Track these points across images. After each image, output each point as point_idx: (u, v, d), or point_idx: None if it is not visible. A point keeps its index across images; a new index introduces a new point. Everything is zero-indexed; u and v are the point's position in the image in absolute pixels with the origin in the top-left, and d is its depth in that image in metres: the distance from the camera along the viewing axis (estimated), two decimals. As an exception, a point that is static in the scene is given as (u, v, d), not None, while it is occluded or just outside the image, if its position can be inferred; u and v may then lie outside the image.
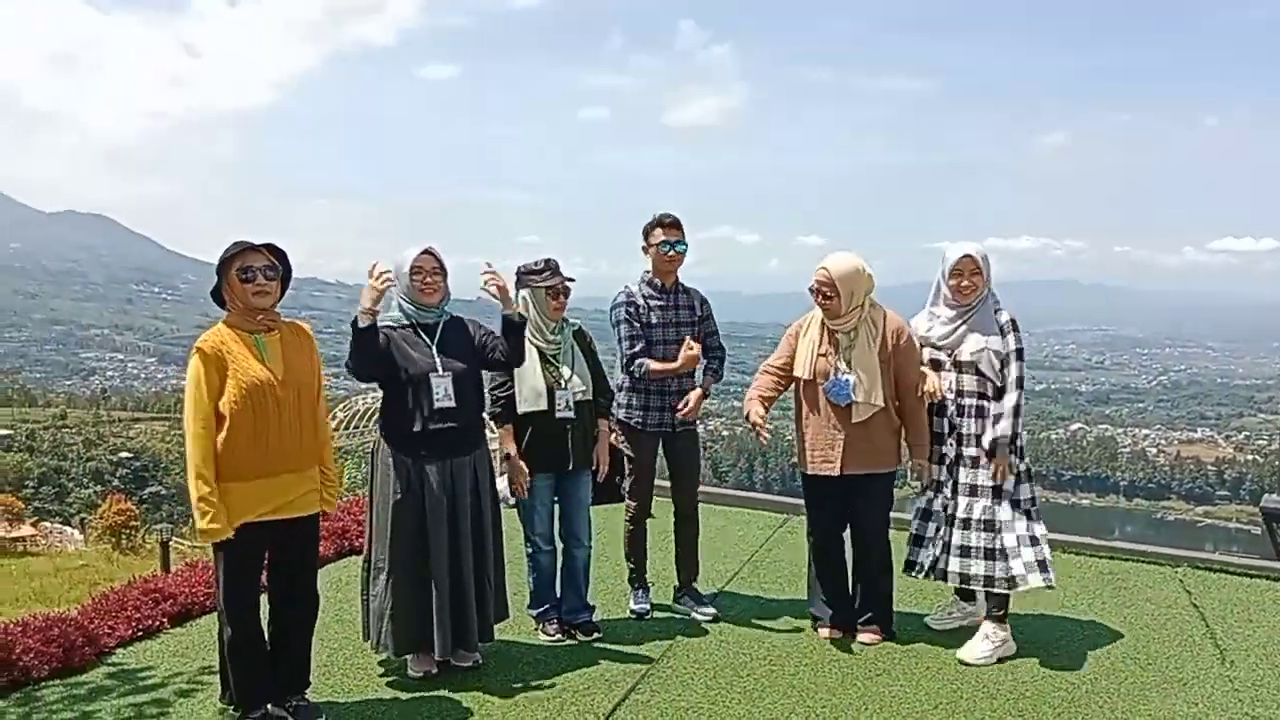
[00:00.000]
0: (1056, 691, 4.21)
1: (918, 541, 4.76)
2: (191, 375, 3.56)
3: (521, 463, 4.54)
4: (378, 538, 4.22)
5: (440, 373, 4.15)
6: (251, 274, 3.59)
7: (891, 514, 4.85)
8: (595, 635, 4.74)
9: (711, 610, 5.05)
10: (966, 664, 4.45)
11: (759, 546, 6.49)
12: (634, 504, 5.04)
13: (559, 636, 4.72)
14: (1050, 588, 4.54)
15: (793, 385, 4.77)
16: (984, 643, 4.52)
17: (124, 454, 69.78)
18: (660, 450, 5.07)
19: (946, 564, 4.59)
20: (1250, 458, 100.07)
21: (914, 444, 4.69)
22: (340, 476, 4.13)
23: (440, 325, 4.26)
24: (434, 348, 4.20)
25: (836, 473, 4.62)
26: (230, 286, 3.63)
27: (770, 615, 5.12)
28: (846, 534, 4.83)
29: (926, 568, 4.69)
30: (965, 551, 4.53)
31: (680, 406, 4.89)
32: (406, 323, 4.22)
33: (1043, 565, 4.47)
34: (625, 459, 5.01)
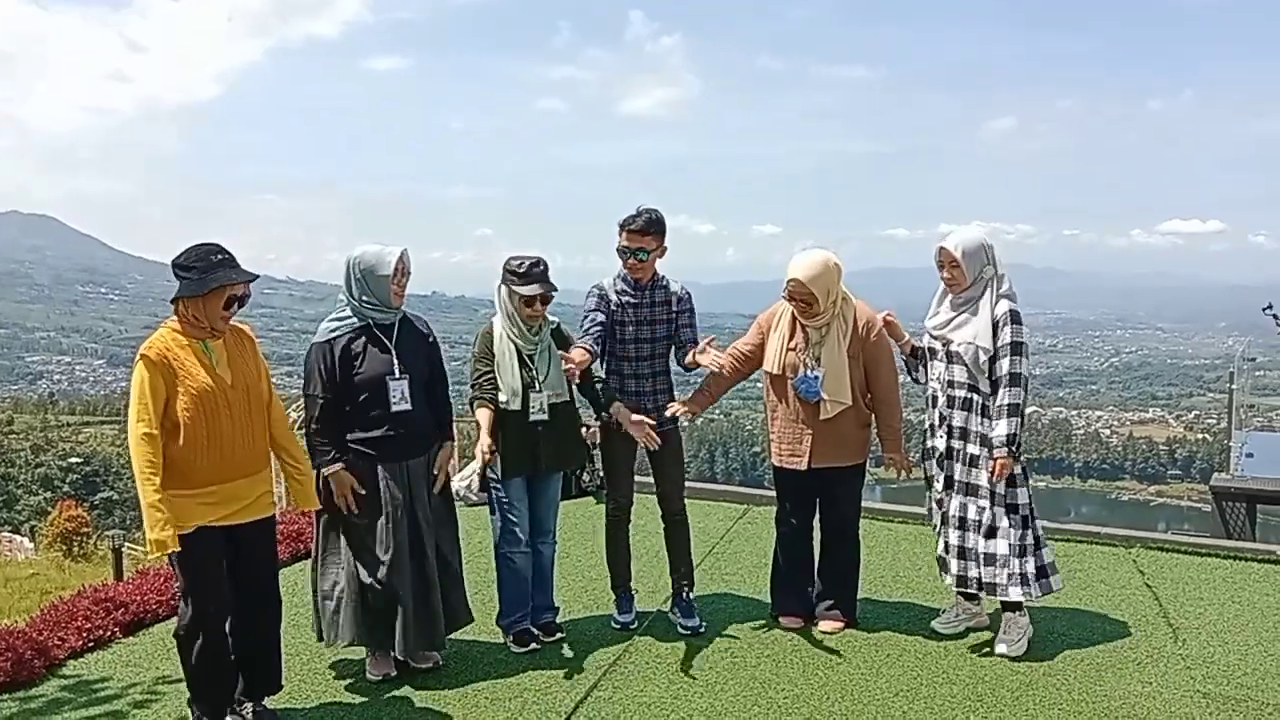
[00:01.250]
0: (1014, 675, 4.26)
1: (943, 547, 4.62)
2: (136, 382, 3.46)
3: (490, 441, 4.31)
4: (331, 538, 4.17)
5: (397, 375, 4.09)
6: (234, 302, 3.57)
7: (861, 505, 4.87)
8: (558, 636, 4.67)
9: (696, 622, 4.79)
10: (1005, 657, 4.40)
11: (720, 538, 6.50)
12: (612, 504, 4.85)
13: (533, 646, 4.56)
14: (1025, 600, 4.44)
15: (763, 377, 4.75)
16: (1010, 636, 4.48)
17: (73, 459, 68.45)
18: (641, 447, 4.74)
19: (951, 566, 4.53)
20: (1200, 436, 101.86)
21: (885, 437, 4.68)
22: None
23: (396, 324, 4.19)
24: (393, 349, 4.12)
25: (804, 467, 4.61)
26: (206, 305, 3.53)
27: (731, 607, 5.13)
28: (814, 524, 4.85)
29: (942, 564, 4.63)
30: (963, 553, 4.47)
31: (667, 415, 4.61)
32: (359, 325, 4.12)
33: (1025, 579, 4.37)
34: (589, 453, 4.95)
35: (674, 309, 4.76)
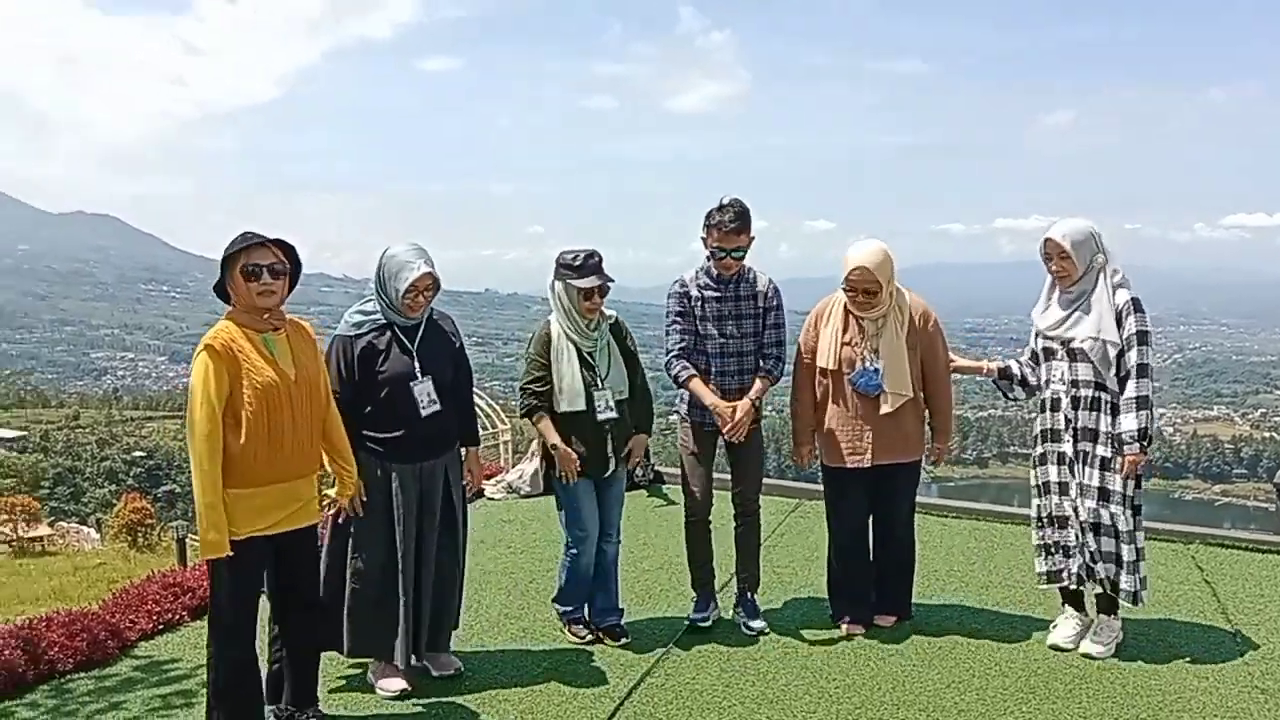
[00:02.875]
0: (1067, 669, 4.25)
1: (1048, 550, 4.43)
2: (199, 373, 3.31)
3: (569, 449, 4.33)
4: (339, 538, 4.04)
5: (419, 379, 4.00)
6: (256, 271, 3.38)
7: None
8: (624, 641, 4.56)
9: (761, 624, 4.71)
10: (1092, 658, 4.29)
11: (771, 531, 6.52)
12: (691, 505, 4.74)
13: (589, 638, 4.58)
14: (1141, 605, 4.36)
15: (796, 375, 4.69)
16: (1104, 637, 4.36)
17: (137, 453, 70.17)
18: (721, 446, 4.72)
19: (1090, 572, 4.32)
20: (1267, 435, 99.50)
21: (937, 428, 4.62)
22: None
23: (420, 328, 4.07)
24: (415, 350, 4.02)
25: (868, 464, 4.50)
26: (234, 283, 3.41)
27: (783, 599, 5.15)
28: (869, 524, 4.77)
29: (1072, 575, 4.37)
30: (1097, 556, 4.27)
31: (726, 428, 4.51)
32: (383, 322, 4.01)
33: (1144, 582, 4.30)
34: (646, 449, 4.89)
35: (760, 304, 4.61)
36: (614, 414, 4.41)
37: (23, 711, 3.98)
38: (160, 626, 4.80)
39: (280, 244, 3.46)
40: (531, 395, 4.39)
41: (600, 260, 4.36)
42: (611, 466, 4.48)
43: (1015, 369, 4.61)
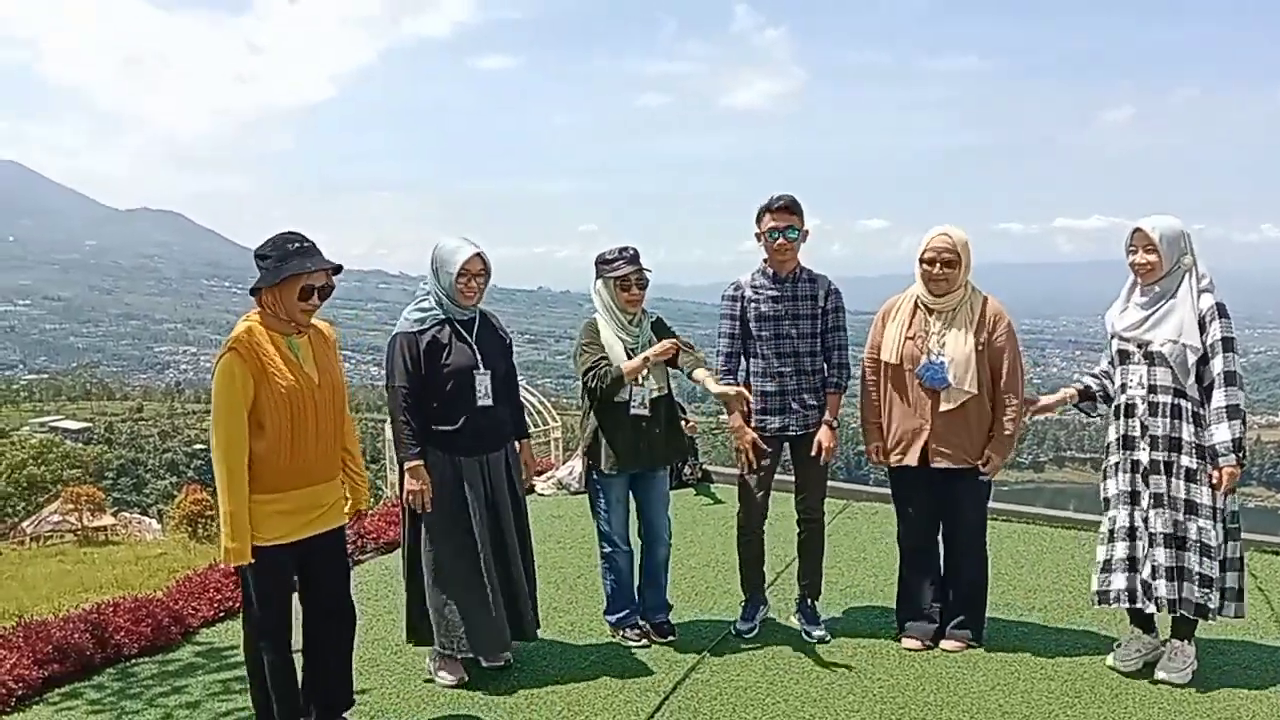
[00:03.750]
0: (1114, 676, 4.23)
1: (1108, 567, 4.18)
2: (224, 374, 3.25)
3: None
4: (415, 532, 4.13)
5: (482, 370, 4.09)
6: (311, 292, 3.37)
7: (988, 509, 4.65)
8: (670, 639, 4.60)
9: (822, 632, 4.66)
10: (1169, 684, 4.09)
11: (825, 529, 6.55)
12: (745, 511, 4.70)
13: (643, 642, 4.57)
14: (1240, 616, 4.17)
15: (864, 374, 4.59)
16: (1181, 662, 4.15)
17: (198, 446, 71.56)
18: (780, 454, 4.67)
19: (1153, 590, 4.05)
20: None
21: (997, 435, 4.34)
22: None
23: (476, 320, 4.19)
24: (474, 344, 4.12)
25: (916, 462, 4.37)
26: (283, 295, 3.35)
27: (828, 599, 5.13)
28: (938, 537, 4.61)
29: (1133, 594, 4.12)
30: (1180, 574, 4.01)
31: (750, 465, 4.53)
32: (442, 317, 4.10)
33: (1239, 594, 4.11)
34: (692, 447, 4.88)
35: (821, 304, 4.56)
36: (646, 411, 4.41)
37: (90, 693, 4.15)
38: (221, 613, 4.97)
39: (335, 268, 3.47)
40: (597, 371, 4.34)
41: (636, 254, 4.41)
42: (644, 463, 4.49)
43: (1094, 385, 4.39)
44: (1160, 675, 4.15)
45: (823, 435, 4.55)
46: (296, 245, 3.35)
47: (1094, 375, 4.43)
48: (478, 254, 4.05)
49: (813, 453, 4.55)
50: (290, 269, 3.30)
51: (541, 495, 7.57)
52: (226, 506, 3.23)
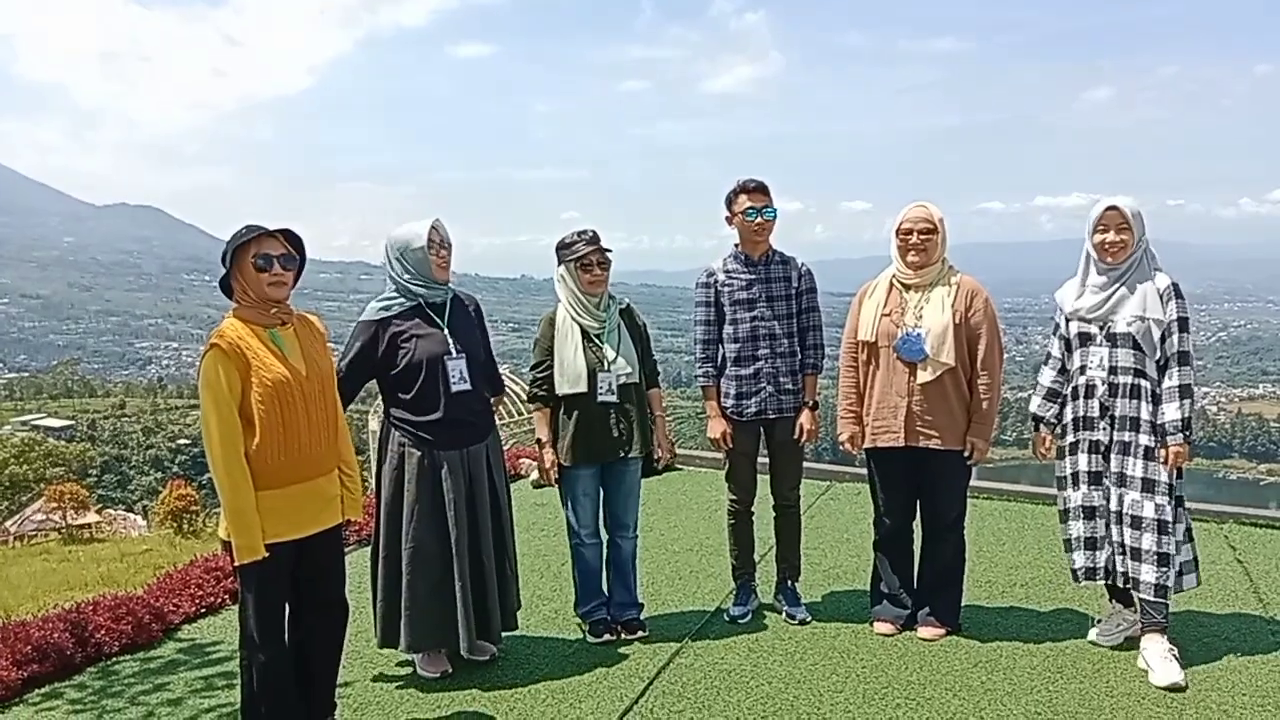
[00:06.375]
0: (1096, 648, 4.27)
1: (1080, 545, 4.23)
2: (209, 373, 3.18)
3: (549, 451, 4.35)
4: (391, 530, 4.05)
5: (454, 355, 3.98)
6: (268, 262, 3.26)
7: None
8: (640, 634, 4.51)
9: (802, 614, 4.67)
10: (1168, 689, 3.90)
11: (802, 513, 6.56)
12: (733, 497, 4.74)
13: (607, 637, 4.49)
14: (1197, 585, 4.20)
15: (845, 358, 4.53)
16: (1170, 662, 3.99)
17: (182, 441, 71.30)
18: (760, 437, 4.67)
19: (1115, 565, 4.14)
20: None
21: (975, 415, 4.30)
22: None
23: (448, 303, 4.08)
24: (446, 329, 4.02)
25: (900, 443, 4.31)
26: (243, 275, 3.28)
27: (811, 580, 5.17)
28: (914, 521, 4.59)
29: (1091, 571, 4.22)
30: (1137, 555, 4.04)
31: (723, 449, 4.55)
32: (411, 303, 4.00)
33: (1194, 564, 4.15)
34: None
35: (795, 285, 4.56)
36: (614, 398, 4.33)
37: (71, 693, 4.12)
38: (203, 610, 4.95)
39: (288, 234, 3.35)
40: (536, 384, 4.40)
41: (595, 235, 4.35)
42: (611, 452, 4.39)
43: (1050, 411, 4.32)
44: (1158, 681, 3.96)
45: (804, 418, 4.57)
46: (245, 228, 3.30)
47: (1043, 397, 4.35)
48: (434, 224, 3.99)
49: (794, 435, 4.57)
50: (234, 242, 3.26)
51: (526, 479, 7.56)
52: (231, 504, 3.17)
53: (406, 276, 3.99)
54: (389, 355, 3.96)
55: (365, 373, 3.98)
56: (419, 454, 3.98)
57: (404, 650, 4.10)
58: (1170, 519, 4.02)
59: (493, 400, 4.37)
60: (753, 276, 4.53)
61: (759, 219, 4.47)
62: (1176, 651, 4.05)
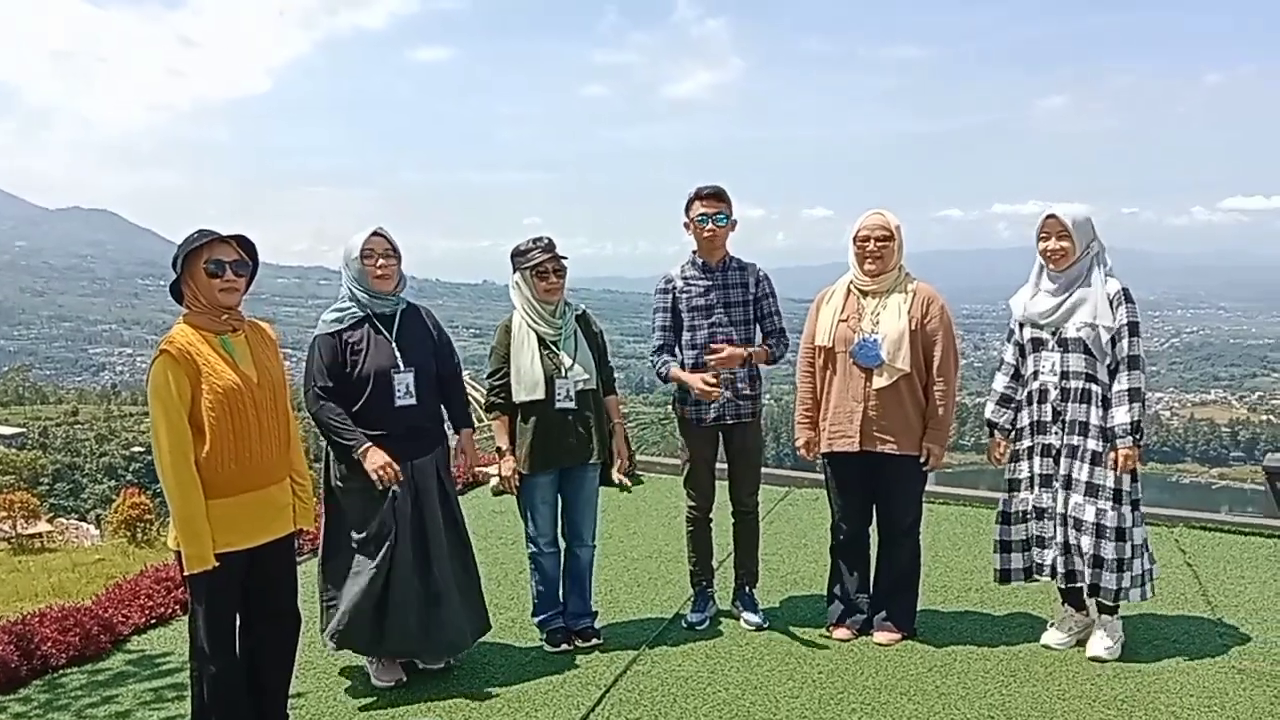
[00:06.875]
0: (1049, 653, 4.32)
1: (1007, 548, 4.38)
2: (158, 380, 3.13)
3: (511, 458, 4.33)
4: (336, 543, 4.04)
5: (402, 369, 3.94)
6: (220, 267, 3.21)
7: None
8: (595, 642, 4.50)
9: (761, 619, 4.69)
10: (1102, 660, 4.17)
11: (760, 519, 6.58)
12: (692, 503, 4.73)
13: (565, 647, 4.46)
14: (1144, 599, 4.28)
15: (802, 363, 4.54)
16: (1108, 639, 4.24)
17: (136, 448, 70.14)
18: (719, 443, 4.69)
19: (1057, 565, 4.22)
20: (1264, 418, 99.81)
21: (931, 421, 4.32)
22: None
23: (398, 315, 4.05)
24: (394, 342, 3.98)
25: (855, 448, 4.32)
26: (194, 281, 3.23)
27: (768, 586, 5.18)
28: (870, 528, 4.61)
29: (1029, 571, 4.36)
30: (1096, 561, 4.12)
31: (710, 397, 4.39)
32: (360, 314, 3.98)
33: (1146, 576, 4.21)
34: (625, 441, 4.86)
35: (752, 291, 4.58)
36: (572, 404, 4.31)
37: (16, 707, 4.03)
38: (153, 620, 4.86)
39: (241, 240, 3.30)
40: (493, 392, 4.37)
41: (551, 242, 4.33)
42: (572, 460, 4.38)
43: (1004, 417, 4.39)
44: (1091, 652, 4.23)
45: (733, 350, 4.42)
46: (196, 232, 3.25)
47: (997, 403, 4.42)
48: (376, 232, 3.94)
49: (711, 397, 4.41)
50: (186, 247, 3.21)
51: (484, 485, 7.51)
52: (180, 512, 3.11)
53: (353, 286, 3.98)
54: (341, 366, 3.93)
55: (338, 379, 3.94)
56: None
57: (344, 649, 4.07)
58: (1117, 524, 4.08)
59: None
60: (710, 283, 4.54)
61: (710, 225, 4.48)
62: (1118, 630, 4.25)
